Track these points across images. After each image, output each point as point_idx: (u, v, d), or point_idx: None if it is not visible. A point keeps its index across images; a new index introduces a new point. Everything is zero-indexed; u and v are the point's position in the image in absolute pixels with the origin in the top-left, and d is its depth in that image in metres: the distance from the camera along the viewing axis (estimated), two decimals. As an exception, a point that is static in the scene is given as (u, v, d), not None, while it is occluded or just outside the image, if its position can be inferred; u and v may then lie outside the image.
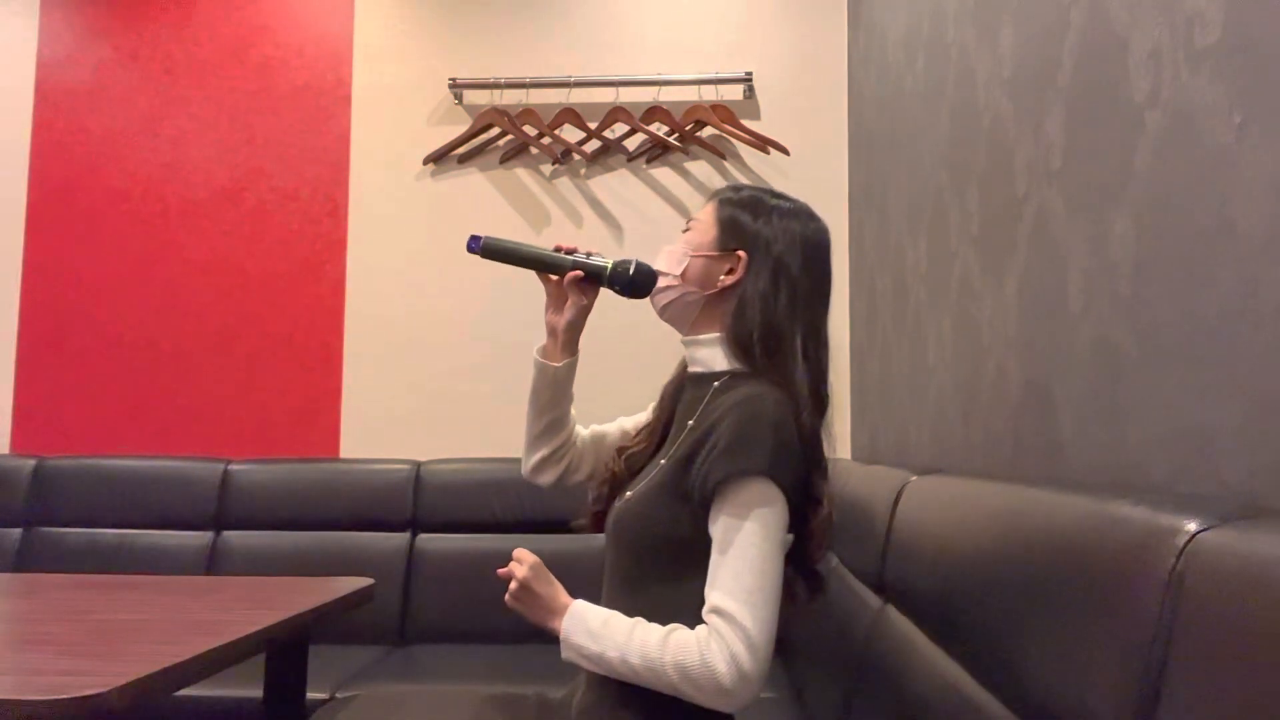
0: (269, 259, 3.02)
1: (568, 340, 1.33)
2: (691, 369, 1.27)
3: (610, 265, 1.28)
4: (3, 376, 3.04)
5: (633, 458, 1.30)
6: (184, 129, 3.08)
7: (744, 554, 1.06)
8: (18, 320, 3.06)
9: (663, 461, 1.20)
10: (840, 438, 2.81)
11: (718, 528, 1.09)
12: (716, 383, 1.20)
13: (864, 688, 1.31)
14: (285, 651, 1.73)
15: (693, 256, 1.24)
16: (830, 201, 2.89)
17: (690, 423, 1.19)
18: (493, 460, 2.70)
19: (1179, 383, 0.87)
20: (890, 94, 2.24)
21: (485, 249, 1.34)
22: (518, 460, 2.95)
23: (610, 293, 1.30)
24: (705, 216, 1.27)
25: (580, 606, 1.14)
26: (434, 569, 2.59)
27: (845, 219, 2.88)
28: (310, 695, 1.86)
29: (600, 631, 1.10)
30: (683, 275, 1.24)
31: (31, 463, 2.79)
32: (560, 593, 1.17)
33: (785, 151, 2.84)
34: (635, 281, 1.27)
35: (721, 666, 1.03)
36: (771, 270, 1.19)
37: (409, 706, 1.34)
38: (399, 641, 2.53)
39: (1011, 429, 1.33)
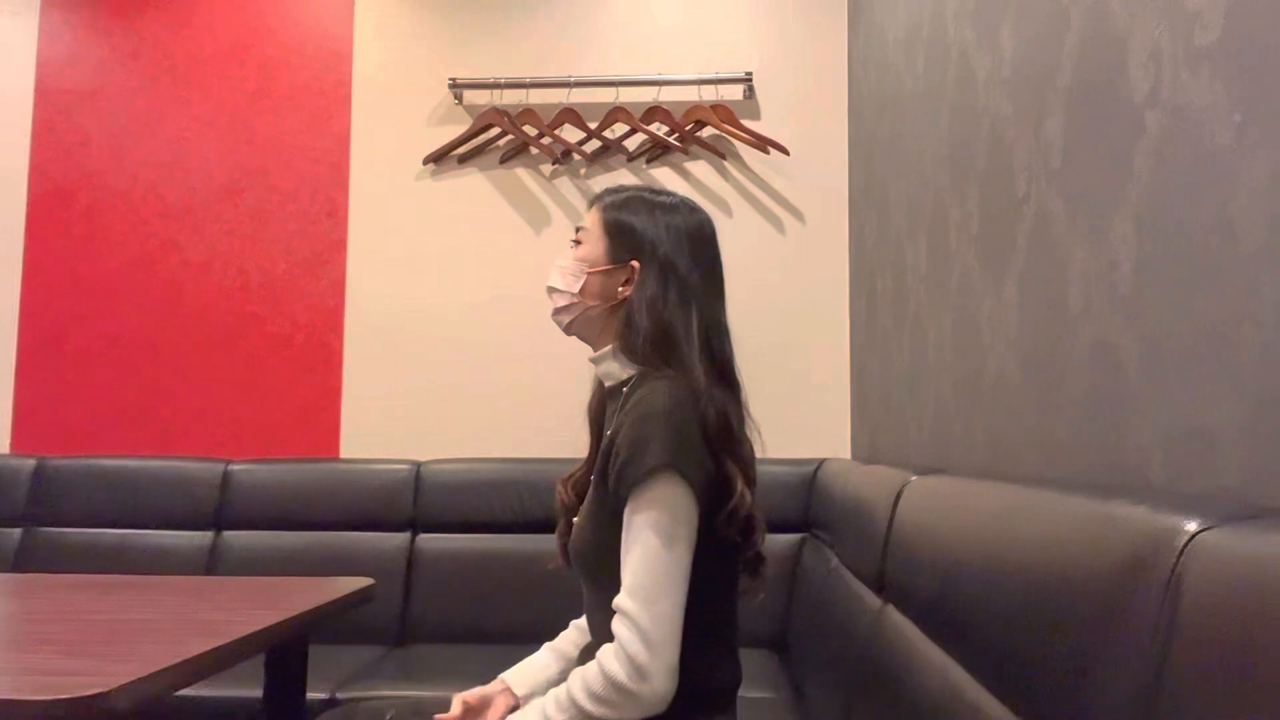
0: (269, 259, 3.02)
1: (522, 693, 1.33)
2: (605, 383, 1.29)
3: None
4: (3, 376, 3.04)
5: (577, 484, 1.32)
6: (184, 129, 3.08)
7: (644, 551, 1.07)
8: (18, 320, 3.06)
9: (593, 477, 1.22)
10: (840, 438, 2.81)
11: (626, 525, 1.10)
12: (625, 389, 1.21)
13: (864, 688, 1.31)
14: (285, 651, 1.73)
15: (589, 274, 1.24)
16: (830, 201, 2.89)
17: (608, 433, 1.20)
18: (493, 460, 2.70)
19: (1179, 383, 0.87)
20: (890, 94, 2.24)
21: None
22: (517, 460, 2.96)
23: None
24: (592, 225, 1.27)
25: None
26: (434, 569, 2.58)
27: (845, 219, 2.88)
28: (310, 695, 1.86)
29: None
30: (581, 291, 1.24)
31: (31, 463, 2.79)
32: None
33: (785, 151, 2.84)
34: None
35: (619, 670, 1.04)
36: (659, 271, 1.20)
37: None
38: (399, 641, 2.53)
39: (1011, 429, 1.33)
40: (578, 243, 1.28)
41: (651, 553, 1.07)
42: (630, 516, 1.10)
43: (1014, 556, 0.85)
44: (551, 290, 1.28)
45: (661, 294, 1.19)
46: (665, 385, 1.14)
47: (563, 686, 1.10)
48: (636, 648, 1.04)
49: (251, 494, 2.69)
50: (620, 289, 1.23)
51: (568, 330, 1.30)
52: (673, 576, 1.07)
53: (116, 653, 1.21)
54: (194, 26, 3.11)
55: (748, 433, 1.21)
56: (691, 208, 1.27)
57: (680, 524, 1.08)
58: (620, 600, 1.07)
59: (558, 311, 1.28)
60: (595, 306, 1.25)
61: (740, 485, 1.14)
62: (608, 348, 1.25)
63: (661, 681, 1.04)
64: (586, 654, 1.25)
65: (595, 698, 1.05)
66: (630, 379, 1.21)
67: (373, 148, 3.02)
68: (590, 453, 1.33)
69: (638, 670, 1.03)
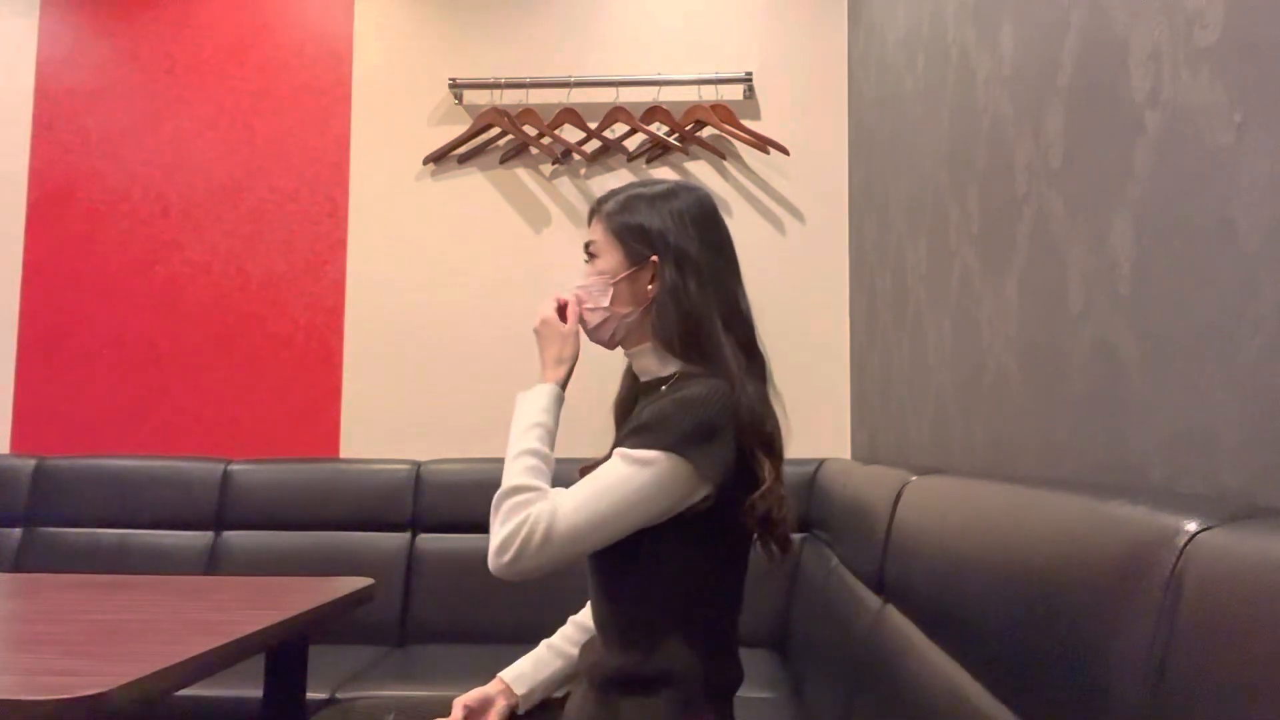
0: (269, 259, 3.02)
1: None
2: (641, 378, 1.29)
3: None
4: (3, 376, 3.04)
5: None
6: (184, 129, 3.08)
7: (600, 480, 1.11)
8: (18, 320, 3.06)
9: None
10: (840, 438, 2.81)
11: (608, 459, 1.13)
12: (664, 386, 1.21)
13: (864, 688, 1.31)
14: (285, 651, 1.73)
15: (615, 284, 1.24)
16: (830, 201, 2.89)
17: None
18: (493, 460, 2.65)
19: (1179, 383, 0.87)
20: (890, 94, 2.24)
21: None
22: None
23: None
24: (599, 237, 1.27)
25: (539, 392, 1.23)
26: (434, 569, 2.58)
27: (845, 219, 2.88)
28: (310, 695, 1.86)
29: (517, 429, 1.24)
30: (613, 303, 1.24)
31: (31, 463, 2.79)
32: (550, 367, 1.26)
33: (785, 151, 2.84)
34: None
35: (521, 527, 1.09)
36: (675, 260, 1.21)
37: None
38: (399, 641, 2.53)
39: (1011, 429, 1.33)
40: (591, 256, 1.28)
41: (610, 486, 1.10)
42: (616, 457, 1.11)
43: (1014, 556, 0.85)
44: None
45: (681, 283, 1.20)
46: (711, 382, 1.14)
47: (519, 469, 1.18)
48: (542, 527, 1.08)
49: (251, 494, 2.69)
50: (649, 288, 1.23)
51: (611, 344, 1.29)
52: (611, 513, 1.09)
53: (116, 653, 1.21)
54: (194, 26, 3.11)
55: (773, 404, 1.22)
56: (687, 187, 1.29)
57: (652, 490, 1.09)
58: (558, 493, 1.11)
59: (596, 330, 1.27)
60: (630, 313, 1.24)
61: (769, 479, 1.14)
62: (645, 344, 1.25)
63: (528, 565, 1.09)
64: (587, 651, 1.25)
65: (503, 510, 1.13)
66: (670, 377, 1.21)
67: (373, 148, 3.02)
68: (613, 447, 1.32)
69: (525, 539, 1.08)
